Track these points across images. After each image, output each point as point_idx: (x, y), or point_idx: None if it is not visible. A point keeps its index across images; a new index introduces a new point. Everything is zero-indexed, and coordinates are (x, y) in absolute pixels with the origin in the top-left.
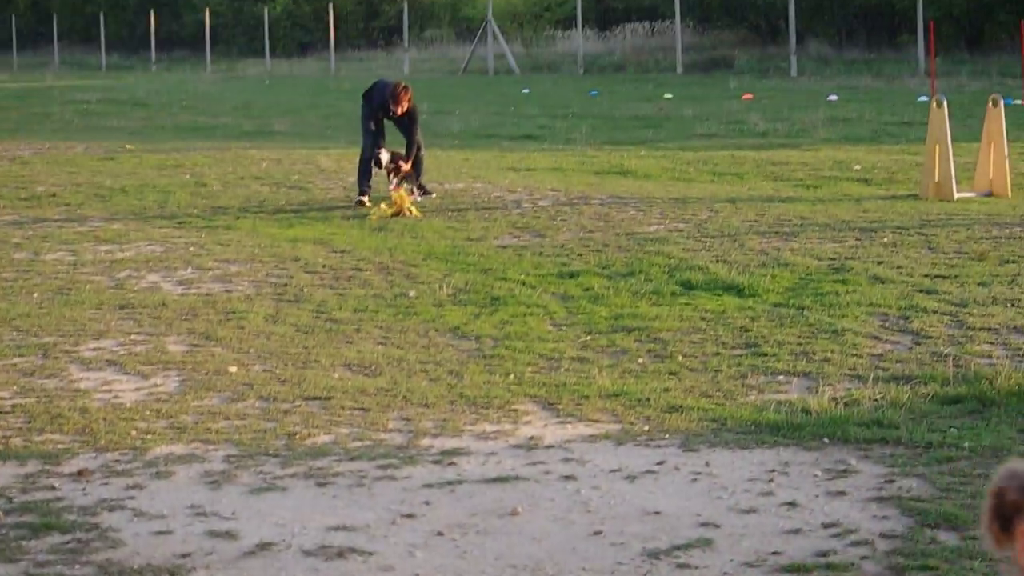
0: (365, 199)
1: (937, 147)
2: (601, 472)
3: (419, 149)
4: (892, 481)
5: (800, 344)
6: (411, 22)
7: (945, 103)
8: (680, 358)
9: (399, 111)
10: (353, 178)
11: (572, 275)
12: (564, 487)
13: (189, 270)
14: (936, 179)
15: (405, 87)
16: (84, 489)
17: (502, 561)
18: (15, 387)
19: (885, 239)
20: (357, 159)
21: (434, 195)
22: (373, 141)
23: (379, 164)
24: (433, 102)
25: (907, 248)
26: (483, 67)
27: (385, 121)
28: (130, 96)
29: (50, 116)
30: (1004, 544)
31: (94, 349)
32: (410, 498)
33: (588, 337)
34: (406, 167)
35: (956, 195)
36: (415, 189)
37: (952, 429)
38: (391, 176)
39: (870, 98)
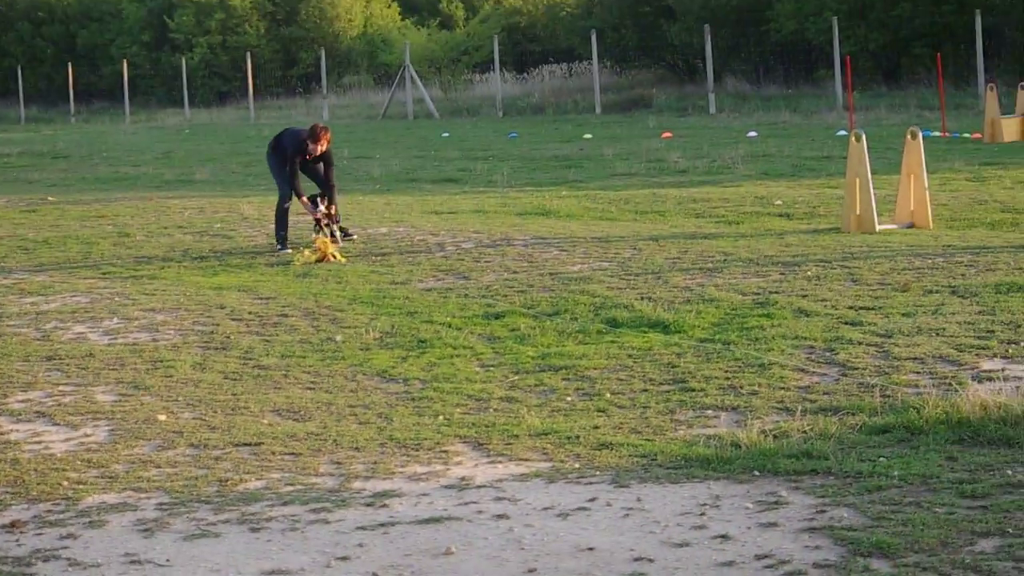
0: (289, 249)
1: (857, 180)
2: (533, 510)
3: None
4: (823, 511)
5: (727, 378)
6: (329, 69)
7: (864, 137)
8: (608, 395)
9: (319, 149)
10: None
11: (498, 316)
12: (497, 526)
13: (115, 320)
14: (857, 212)
15: (324, 127)
16: (18, 540)
17: None
18: None
19: (808, 272)
20: (275, 208)
21: (355, 237)
22: (292, 190)
23: (315, 204)
24: (353, 147)
25: (831, 281)
26: (402, 112)
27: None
28: (50, 148)
29: None
30: None
31: (22, 401)
32: (344, 540)
33: (516, 377)
34: (333, 210)
35: (878, 227)
36: (338, 233)
37: (881, 458)
38: (324, 224)
39: (789, 133)
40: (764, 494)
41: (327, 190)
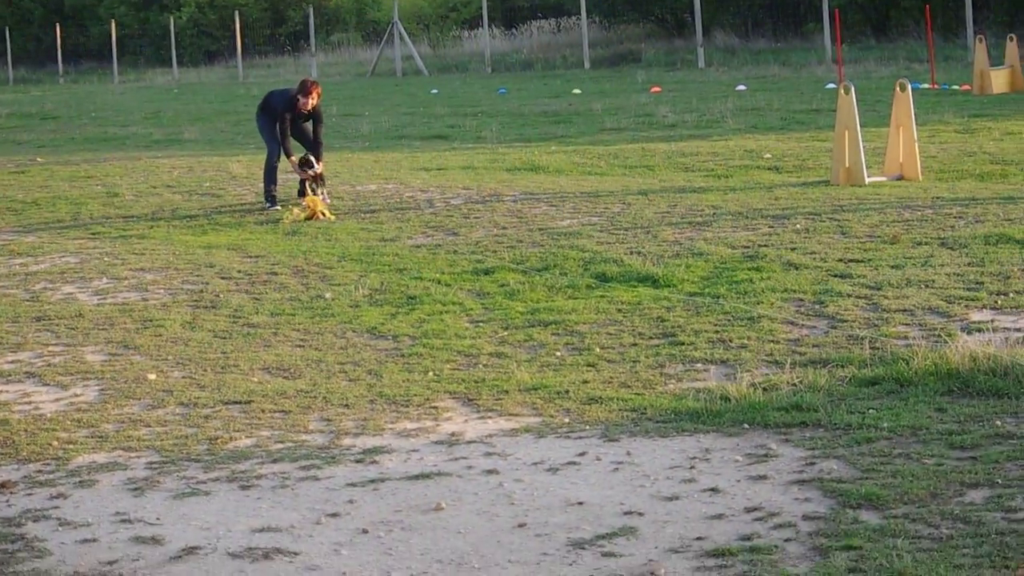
0: (279, 207)
1: (846, 133)
2: (523, 465)
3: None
4: (813, 464)
5: (717, 332)
6: (317, 26)
7: (853, 89)
8: (598, 350)
9: (309, 104)
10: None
11: (487, 272)
12: (487, 481)
13: (104, 280)
14: (847, 165)
15: (314, 81)
16: (7, 501)
17: (428, 556)
18: None
19: (797, 226)
20: (264, 166)
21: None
22: (282, 148)
23: (310, 165)
24: (342, 104)
25: (820, 234)
26: (391, 69)
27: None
28: (38, 109)
29: None
30: None
31: (12, 362)
32: (334, 497)
33: (505, 332)
34: (320, 167)
35: (867, 180)
36: (325, 192)
37: (871, 410)
38: (311, 184)
39: (778, 87)
40: (754, 447)
41: (315, 148)
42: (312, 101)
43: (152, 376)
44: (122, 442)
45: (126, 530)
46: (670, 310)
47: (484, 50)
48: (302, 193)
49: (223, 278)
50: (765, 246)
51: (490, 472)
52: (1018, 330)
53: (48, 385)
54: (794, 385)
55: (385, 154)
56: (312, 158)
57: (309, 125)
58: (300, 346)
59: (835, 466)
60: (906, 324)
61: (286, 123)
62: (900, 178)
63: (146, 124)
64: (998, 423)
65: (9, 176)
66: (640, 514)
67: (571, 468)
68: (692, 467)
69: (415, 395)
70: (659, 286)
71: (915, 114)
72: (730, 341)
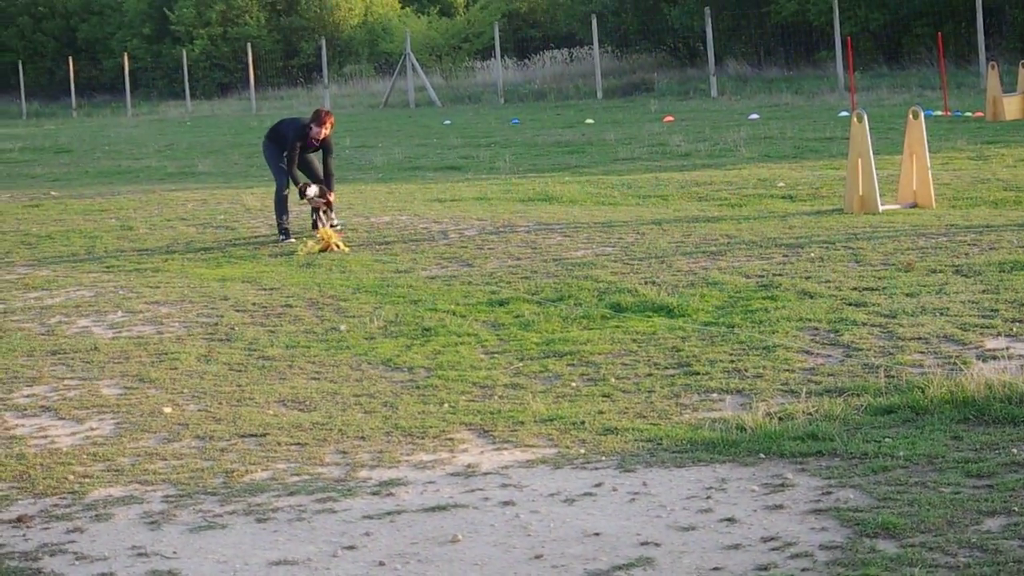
0: (292, 239)
1: (860, 161)
2: (539, 496)
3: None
4: (829, 493)
5: (732, 362)
6: (330, 58)
7: (866, 117)
8: (613, 380)
9: (323, 133)
10: None
11: (502, 303)
12: (503, 512)
13: (119, 313)
14: (860, 193)
15: (327, 111)
16: (24, 535)
17: None
18: None
19: (812, 254)
20: (274, 198)
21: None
22: (290, 177)
23: (304, 196)
24: (355, 136)
25: (834, 262)
26: (404, 100)
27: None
28: (52, 143)
29: None
30: None
31: (28, 396)
32: (350, 530)
33: (520, 363)
34: (332, 198)
35: (881, 208)
36: (336, 221)
37: (887, 439)
38: (320, 213)
39: (791, 115)
40: (770, 476)
41: (327, 179)
42: (325, 131)
43: (168, 409)
44: (138, 475)
45: (143, 564)
46: (685, 340)
47: (496, 81)
48: (315, 226)
49: (238, 311)
50: (779, 275)
51: (506, 503)
52: None
53: (64, 419)
54: (810, 414)
55: (399, 185)
56: (309, 189)
57: (315, 157)
58: (315, 378)
59: (852, 495)
60: (921, 352)
61: (295, 152)
62: (914, 206)
63: (160, 157)
64: (1014, 451)
65: (23, 210)
66: (657, 545)
67: (587, 499)
68: (708, 497)
69: (431, 427)
70: (674, 316)
71: (928, 141)
72: (745, 371)
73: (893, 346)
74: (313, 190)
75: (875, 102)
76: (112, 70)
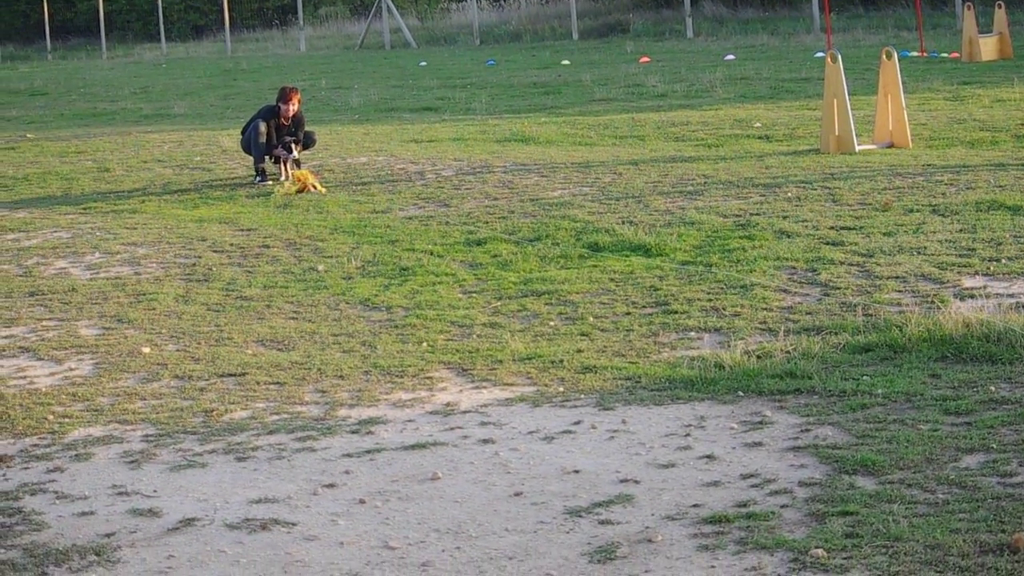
0: (269, 181)
1: (835, 101)
2: (519, 434)
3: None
4: (808, 430)
5: (710, 300)
6: (305, 0)
7: (840, 58)
8: (591, 319)
9: (291, 110)
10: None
11: (479, 243)
12: (483, 450)
13: (97, 255)
14: (836, 133)
15: (293, 87)
16: (4, 475)
17: (425, 525)
18: None
19: (789, 194)
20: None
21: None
22: (255, 146)
23: (284, 155)
24: (331, 78)
25: (811, 202)
26: (379, 42)
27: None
28: (28, 85)
29: None
30: None
31: (6, 337)
32: (330, 468)
33: (498, 303)
34: (298, 148)
35: (857, 148)
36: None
37: (865, 377)
38: (286, 164)
39: (767, 56)
40: (748, 414)
41: (306, 139)
42: (293, 107)
43: (146, 349)
44: (117, 415)
45: (123, 503)
46: (663, 279)
47: (472, 22)
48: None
49: (215, 251)
50: (757, 215)
51: (486, 441)
52: (1011, 296)
53: (43, 359)
54: (788, 352)
55: (375, 127)
56: (290, 142)
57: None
58: (294, 318)
59: (830, 432)
60: (899, 291)
61: (259, 128)
62: (890, 146)
63: (135, 99)
64: (992, 388)
65: (0, 152)
66: (636, 482)
67: (567, 437)
68: (687, 435)
69: (409, 366)
70: (651, 255)
71: (904, 82)
72: (723, 309)
73: (871, 285)
74: (285, 154)
75: (851, 43)
76: (87, 13)
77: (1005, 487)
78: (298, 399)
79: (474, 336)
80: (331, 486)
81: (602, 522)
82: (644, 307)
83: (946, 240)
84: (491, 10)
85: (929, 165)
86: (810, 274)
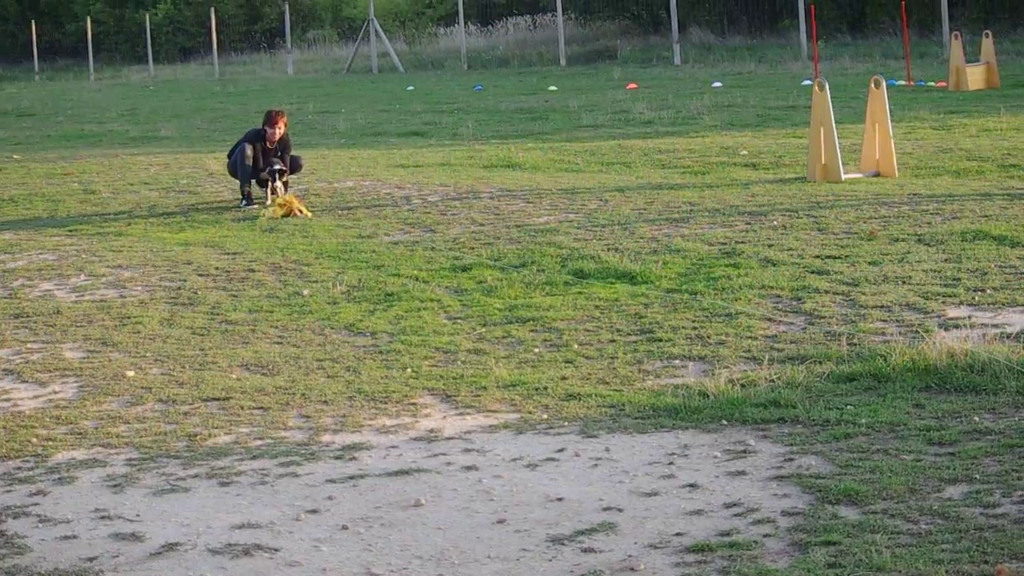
0: (255, 205)
1: (822, 129)
2: (502, 461)
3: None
4: (791, 459)
5: (695, 328)
6: (293, 23)
7: (827, 86)
8: (576, 346)
9: (276, 134)
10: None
11: (465, 268)
12: (466, 477)
13: (82, 277)
14: (823, 161)
15: (279, 110)
16: None
17: (408, 552)
18: None
19: (775, 222)
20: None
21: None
22: (240, 167)
23: (271, 179)
24: (318, 102)
25: (797, 230)
26: (367, 66)
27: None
28: (15, 106)
29: None
30: None
31: None
32: (313, 494)
33: (483, 329)
34: (285, 176)
35: (843, 176)
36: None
37: (849, 406)
38: (274, 187)
39: (754, 84)
40: (732, 443)
41: (292, 164)
42: (279, 131)
43: (130, 373)
44: (101, 439)
45: (106, 527)
46: (648, 307)
47: (460, 47)
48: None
49: (201, 275)
50: (742, 243)
51: (469, 468)
52: (995, 326)
53: (27, 382)
54: (772, 381)
55: (362, 151)
56: (277, 165)
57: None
58: (278, 343)
59: (813, 462)
60: (883, 320)
61: (245, 151)
62: (876, 175)
63: (122, 121)
64: (976, 419)
65: None
66: (619, 510)
67: (550, 464)
68: (671, 463)
69: (394, 392)
70: (637, 283)
71: (891, 111)
72: (708, 338)
73: (855, 314)
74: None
75: (838, 71)
76: (74, 34)
77: (988, 518)
78: (282, 424)
79: (458, 362)
80: (314, 512)
81: (585, 550)
82: (629, 335)
83: (931, 270)
84: (479, 35)
85: (915, 194)
86: (795, 303)
